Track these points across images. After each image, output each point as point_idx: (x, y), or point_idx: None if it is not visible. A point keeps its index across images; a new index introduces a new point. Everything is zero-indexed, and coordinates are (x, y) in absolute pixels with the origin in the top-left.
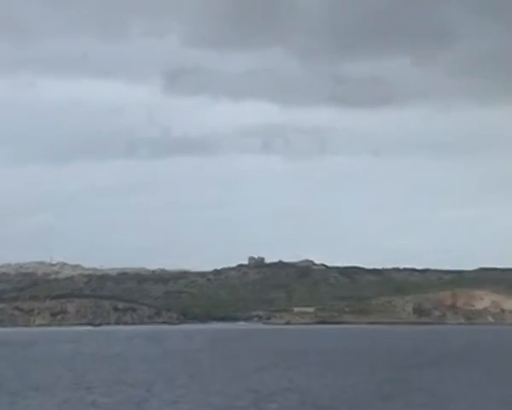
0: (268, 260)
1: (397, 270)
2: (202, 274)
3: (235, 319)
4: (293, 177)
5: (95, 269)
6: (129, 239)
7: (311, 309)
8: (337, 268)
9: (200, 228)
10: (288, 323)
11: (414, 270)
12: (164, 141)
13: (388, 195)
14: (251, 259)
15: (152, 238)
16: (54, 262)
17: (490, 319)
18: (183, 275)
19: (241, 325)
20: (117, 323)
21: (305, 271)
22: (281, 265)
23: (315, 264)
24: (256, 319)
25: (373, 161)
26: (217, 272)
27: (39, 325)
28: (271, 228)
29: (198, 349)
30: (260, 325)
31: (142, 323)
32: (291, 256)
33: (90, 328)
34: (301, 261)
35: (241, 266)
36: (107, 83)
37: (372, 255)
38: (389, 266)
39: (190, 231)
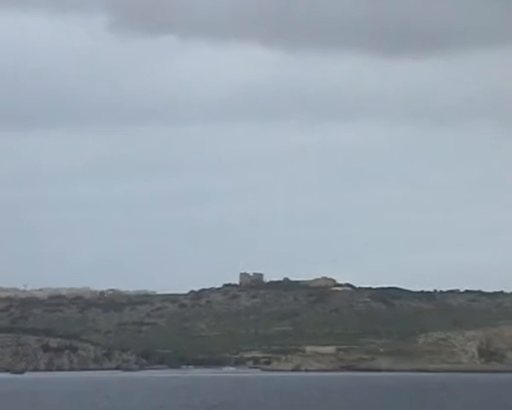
0: (268, 278)
1: (455, 293)
2: (173, 298)
3: (220, 364)
4: (304, 160)
5: (16, 290)
6: (66, 249)
7: (330, 349)
8: (368, 290)
9: (170, 233)
10: (297, 369)
11: (480, 293)
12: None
13: (441, 188)
14: (243, 276)
15: (100, 248)
16: None
17: None
18: (144, 299)
19: (229, 371)
20: (48, 368)
21: (322, 293)
22: (287, 284)
23: (337, 284)
24: (251, 363)
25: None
26: (194, 296)
27: None
28: (273, 233)
29: None
30: (257, 373)
31: (84, 368)
32: (302, 273)
33: (8, 376)
34: (316, 280)
35: (228, 286)
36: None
37: (419, 273)
38: (444, 287)
39: (155, 238)
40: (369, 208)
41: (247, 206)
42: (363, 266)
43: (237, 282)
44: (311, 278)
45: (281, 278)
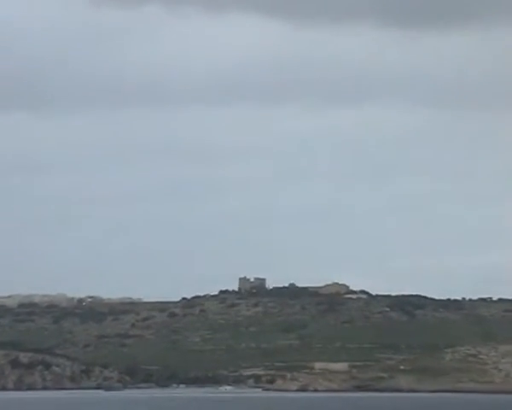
0: (271, 284)
1: (487, 302)
2: (162, 306)
3: (216, 382)
4: (311, 150)
5: None
6: (39, 250)
7: (342, 366)
8: (387, 298)
9: (158, 232)
10: (304, 389)
11: None
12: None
13: (470, 179)
14: (243, 281)
15: (78, 248)
16: None
17: None
18: (129, 308)
19: (227, 391)
20: (18, 387)
21: (333, 302)
22: (293, 291)
23: (350, 291)
24: (251, 382)
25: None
26: (186, 304)
27: None
28: (277, 233)
29: None
30: (259, 393)
31: (59, 387)
32: (310, 278)
33: None
34: (327, 286)
35: (226, 293)
36: None
37: (445, 278)
38: (474, 295)
39: (141, 237)
40: (386, 203)
41: (246, 202)
42: (380, 271)
43: (236, 288)
44: (320, 284)
45: (286, 284)
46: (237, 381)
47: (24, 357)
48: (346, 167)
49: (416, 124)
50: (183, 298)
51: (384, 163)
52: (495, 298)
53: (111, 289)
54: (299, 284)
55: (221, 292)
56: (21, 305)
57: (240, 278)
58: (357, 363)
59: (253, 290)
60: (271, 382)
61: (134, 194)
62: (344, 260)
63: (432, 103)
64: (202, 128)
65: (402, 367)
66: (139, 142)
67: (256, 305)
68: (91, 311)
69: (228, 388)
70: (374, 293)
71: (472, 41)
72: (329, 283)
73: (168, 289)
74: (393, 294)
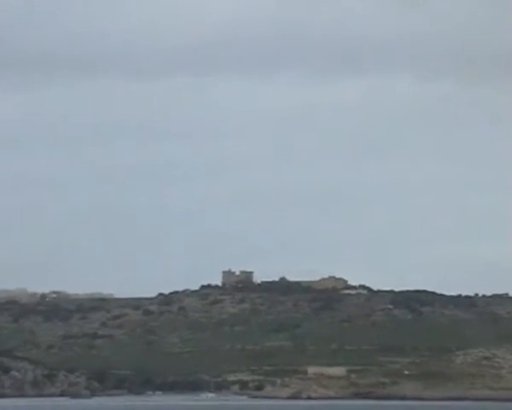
0: (260, 278)
1: (502, 298)
2: (136, 303)
3: (196, 389)
4: (307, 125)
5: None
6: None
7: (340, 371)
8: (390, 294)
9: (131, 220)
10: (296, 396)
11: None
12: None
13: (483, 161)
14: (227, 275)
15: (40, 239)
16: None
17: None
18: (99, 305)
19: (209, 399)
20: None
21: (329, 298)
22: (284, 286)
23: (349, 286)
24: (236, 388)
25: None
26: (163, 300)
27: None
28: (266, 220)
29: None
30: (245, 401)
31: (20, 394)
32: (303, 271)
33: None
34: (322, 281)
35: (208, 288)
36: None
37: (455, 271)
38: (488, 291)
39: (112, 226)
40: (390, 187)
41: (232, 185)
42: (382, 263)
43: (219, 282)
44: (315, 279)
45: (276, 278)
46: (220, 387)
47: None
48: (346, 145)
49: (418, 97)
50: (160, 294)
51: (388, 142)
52: (511, 294)
53: (78, 284)
54: (291, 278)
55: (202, 287)
56: None
57: (223, 272)
58: (357, 367)
59: (239, 285)
60: (259, 388)
61: (105, 175)
62: (341, 251)
63: (435, 75)
64: (184, 101)
65: (407, 372)
66: (112, 117)
67: (242, 301)
68: (56, 308)
69: (210, 395)
70: (375, 288)
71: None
72: (325, 277)
73: (143, 284)
74: (397, 289)
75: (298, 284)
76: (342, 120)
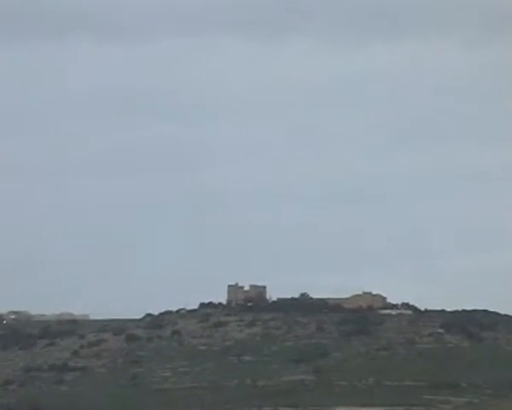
0: (275, 295)
1: None
2: (118, 326)
3: None
4: (328, 103)
5: None
6: None
7: None
8: (441, 314)
9: (112, 217)
10: None
11: None
12: None
13: None
14: (234, 290)
15: None
16: None
17: None
18: (69, 328)
19: None
20: None
21: (363, 320)
22: (305, 305)
23: (388, 304)
24: None
25: None
26: (152, 322)
27: None
28: (282, 222)
29: None
30: None
31: None
32: (330, 286)
33: None
34: (355, 298)
35: (209, 306)
36: None
37: None
38: None
39: (89, 228)
40: (434, 175)
41: (238, 175)
42: (431, 275)
43: (224, 300)
44: (345, 295)
45: (295, 295)
46: None
47: None
48: (376, 127)
49: (465, 66)
50: (148, 314)
51: (428, 121)
52: None
53: (44, 302)
54: (315, 295)
55: (202, 305)
56: None
57: (229, 286)
58: (398, 408)
59: (249, 303)
60: None
61: (76, 165)
62: (378, 261)
63: (485, 41)
64: (177, 68)
65: None
66: (85, 95)
67: (252, 324)
68: (15, 333)
69: None
70: (422, 307)
71: None
72: (358, 293)
73: (126, 302)
74: (450, 309)
75: (323, 301)
76: (371, 94)
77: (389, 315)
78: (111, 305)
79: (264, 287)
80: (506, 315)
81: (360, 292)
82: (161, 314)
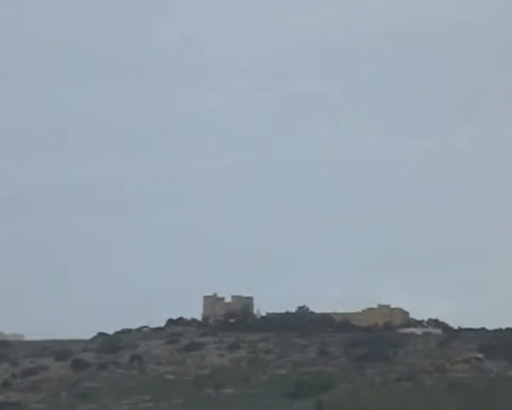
0: (264, 309)
1: None
2: (61, 349)
3: None
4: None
5: None
6: None
7: None
8: (480, 334)
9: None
10: None
11: None
12: None
13: None
14: (210, 303)
15: None
16: None
17: None
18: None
19: None
20: None
21: (380, 340)
22: (305, 321)
23: (412, 321)
24: None
25: None
26: (106, 344)
27: None
28: (276, 214)
29: None
30: None
31: None
32: (335, 298)
33: None
34: (369, 311)
35: (179, 323)
36: None
37: None
38: None
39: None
40: (465, 156)
41: (222, 158)
42: (466, 285)
43: (198, 316)
44: (355, 310)
45: (291, 309)
46: None
47: None
48: (393, 104)
49: None
50: (101, 334)
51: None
52: None
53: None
54: (316, 309)
55: (170, 323)
56: None
57: (205, 298)
58: None
59: (231, 320)
60: None
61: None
62: (397, 266)
63: None
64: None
65: None
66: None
67: (235, 347)
68: None
69: None
70: (455, 325)
71: None
72: (372, 306)
73: (72, 318)
74: (491, 327)
75: (327, 317)
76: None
77: (412, 335)
78: (52, 322)
79: (251, 298)
80: None
81: (375, 305)
82: (117, 334)
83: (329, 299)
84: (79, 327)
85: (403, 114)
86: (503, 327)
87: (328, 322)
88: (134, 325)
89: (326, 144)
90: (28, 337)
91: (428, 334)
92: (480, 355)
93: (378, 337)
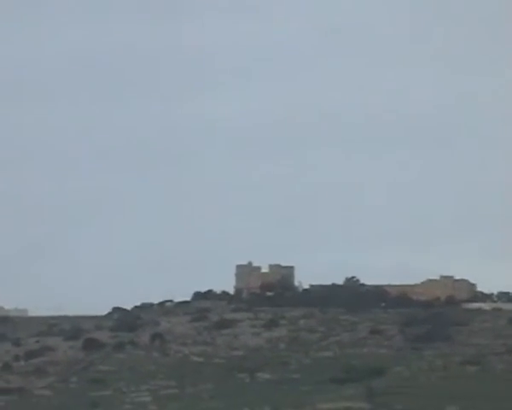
0: (307, 281)
1: None
2: (71, 326)
3: None
4: None
5: None
6: None
7: None
8: None
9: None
10: None
11: None
12: None
13: None
14: (245, 272)
15: None
16: None
17: None
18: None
19: None
20: None
21: (441, 317)
22: (354, 295)
23: (479, 294)
24: None
25: None
26: (121, 322)
27: None
28: (315, 176)
29: None
30: None
31: None
32: (389, 268)
33: None
34: (428, 284)
35: (207, 297)
36: None
37: None
38: None
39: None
40: None
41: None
42: None
43: (230, 289)
44: (412, 281)
45: (338, 280)
46: None
47: None
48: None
49: None
50: (117, 309)
51: None
52: None
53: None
54: (367, 281)
55: (197, 296)
56: None
57: (238, 267)
58: None
59: (268, 293)
60: None
61: None
62: (461, 231)
63: None
64: None
65: None
66: None
67: (273, 324)
68: None
69: None
70: None
71: None
72: (432, 277)
73: (83, 291)
74: None
75: (380, 290)
76: None
77: (480, 311)
78: (60, 295)
79: (291, 268)
80: None
81: (436, 276)
82: (136, 309)
83: (383, 269)
84: (92, 301)
85: None
86: None
87: (381, 296)
88: (155, 299)
89: None
90: (33, 313)
91: (498, 309)
92: None
93: (439, 314)
